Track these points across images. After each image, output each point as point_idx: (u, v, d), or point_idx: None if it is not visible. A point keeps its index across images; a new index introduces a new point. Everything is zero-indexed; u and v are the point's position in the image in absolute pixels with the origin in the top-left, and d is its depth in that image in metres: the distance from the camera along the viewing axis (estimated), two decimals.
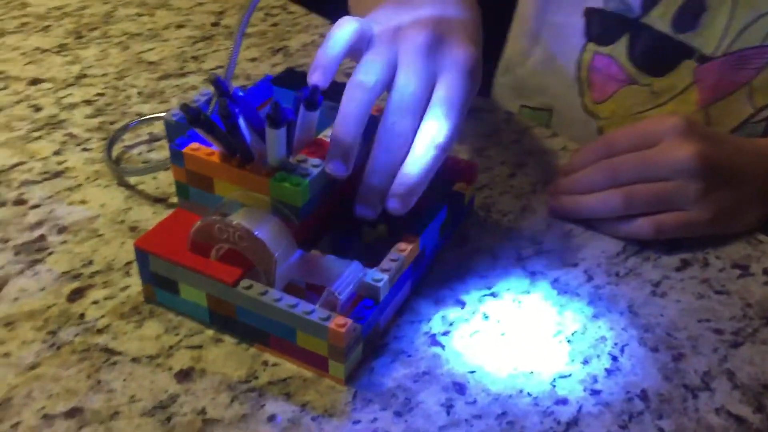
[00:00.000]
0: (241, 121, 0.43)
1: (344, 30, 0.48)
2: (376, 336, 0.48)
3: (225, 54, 0.78)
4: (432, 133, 0.47)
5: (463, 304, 0.51)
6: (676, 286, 0.52)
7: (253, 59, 0.78)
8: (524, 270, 0.53)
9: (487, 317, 0.50)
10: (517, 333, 0.49)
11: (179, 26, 0.83)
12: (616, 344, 0.48)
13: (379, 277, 0.46)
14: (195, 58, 0.78)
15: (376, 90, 0.46)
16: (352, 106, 0.46)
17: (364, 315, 0.45)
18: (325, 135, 0.49)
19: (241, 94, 0.44)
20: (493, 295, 0.51)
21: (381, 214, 0.49)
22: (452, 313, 0.50)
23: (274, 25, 0.84)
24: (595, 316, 0.50)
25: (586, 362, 0.47)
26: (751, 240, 0.56)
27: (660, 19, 0.63)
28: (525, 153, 0.65)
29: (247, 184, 0.46)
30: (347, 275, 0.45)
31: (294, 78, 0.55)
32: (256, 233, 0.44)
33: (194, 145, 0.48)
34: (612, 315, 0.50)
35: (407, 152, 0.47)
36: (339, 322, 0.43)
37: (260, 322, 0.46)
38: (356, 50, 0.49)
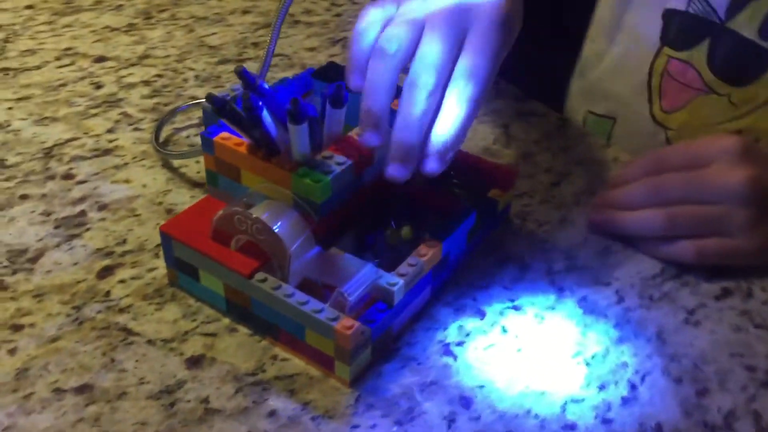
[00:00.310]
0: (266, 115, 0.43)
1: (370, 22, 0.47)
2: (389, 340, 0.47)
3: (285, 42, 0.79)
4: (462, 87, 0.45)
5: (483, 315, 0.49)
6: (712, 315, 0.50)
7: (312, 48, 0.78)
8: (552, 285, 0.52)
9: (505, 331, 0.48)
10: (534, 350, 0.47)
11: (245, 12, 0.84)
12: (637, 371, 0.46)
13: (395, 281, 0.45)
14: (255, 44, 0.78)
15: (398, 56, 0.44)
16: (376, 75, 0.44)
17: (375, 318, 0.45)
18: (356, 132, 0.48)
19: (267, 87, 0.44)
20: (515, 308, 0.50)
21: (408, 211, 0.48)
22: (470, 323, 0.49)
23: (338, 15, 0.84)
24: (620, 340, 0.48)
25: (602, 388, 0.45)
26: None
27: (747, 24, 0.59)
28: (573, 162, 0.62)
29: (271, 176, 0.46)
30: (359, 277, 0.44)
31: (335, 71, 0.55)
32: (273, 227, 0.44)
33: (225, 134, 0.49)
34: (638, 340, 0.48)
35: (435, 108, 0.45)
36: (346, 324, 0.43)
37: (272, 316, 0.46)
38: None
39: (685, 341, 0.48)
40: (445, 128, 0.44)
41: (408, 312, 0.48)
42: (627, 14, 0.66)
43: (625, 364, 0.46)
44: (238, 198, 0.48)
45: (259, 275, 0.46)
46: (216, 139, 0.48)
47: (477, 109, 0.45)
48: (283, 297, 0.44)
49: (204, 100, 0.67)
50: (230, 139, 0.48)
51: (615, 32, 0.67)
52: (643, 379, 0.45)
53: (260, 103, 0.42)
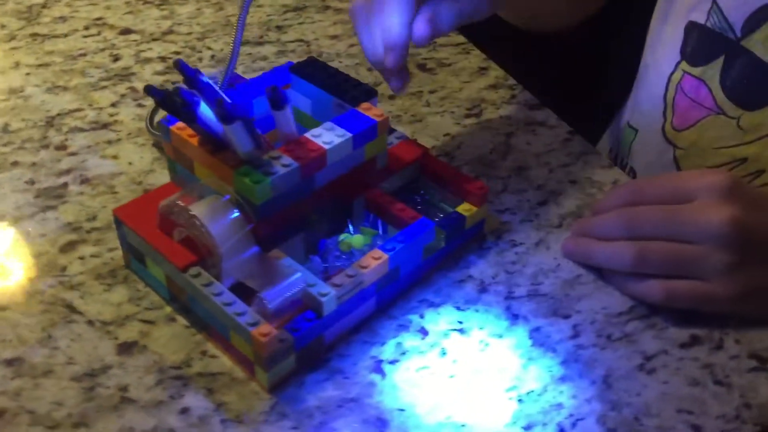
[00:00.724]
0: (203, 110, 0.42)
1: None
2: (320, 349, 0.46)
3: (309, 27, 0.78)
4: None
5: (426, 334, 0.47)
6: (671, 364, 0.46)
7: (334, 36, 0.76)
8: (508, 310, 0.49)
9: (444, 353, 0.46)
10: (468, 379, 0.45)
11: None
12: (571, 415, 0.43)
13: (326, 291, 0.44)
14: (279, 27, 0.77)
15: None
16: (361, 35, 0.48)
17: (300, 327, 0.44)
18: (313, 134, 0.47)
19: (206, 80, 0.43)
20: (461, 331, 0.48)
21: (367, 219, 0.49)
22: (410, 341, 0.47)
23: None
24: (562, 379, 0.45)
25: (528, 428, 0.42)
26: None
27: (762, 44, 0.55)
28: (568, 180, 0.59)
29: (217, 172, 0.46)
30: (285, 284, 0.43)
31: (314, 67, 0.53)
32: (205, 224, 0.44)
33: (182, 123, 0.48)
34: (581, 382, 0.45)
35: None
36: (263, 331, 0.42)
37: (204, 313, 0.46)
38: None
39: (632, 389, 0.44)
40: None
41: (344, 323, 0.47)
42: (656, 22, 0.63)
43: (560, 406, 0.44)
44: (190, 188, 0.48)
45: (194, 270, 0.45)
46: (172, 128, 0.48)
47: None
48: (210, 295, 0.44)
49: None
50: (185, 130, 0.48)
51: (652, 40, 0.64)
52: (574, 424, 0.43)
53: (195, 99, 0.41)
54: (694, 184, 0.48)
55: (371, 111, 0.49)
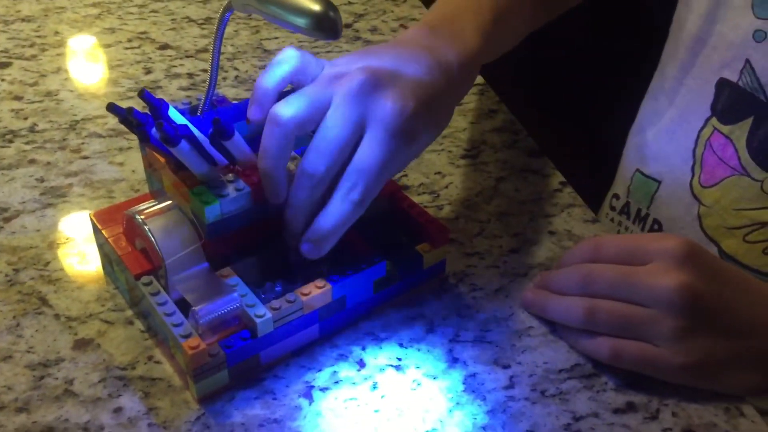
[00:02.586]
0: (155, 132, 0.45)
1: (283, 65, 0.47)
2: (255, 368, 0.48)
3: (336, 57, 0.80)
4: (348, 187, 0.45)
5: (362, 366, 0.49)
6: (599, 428, 0.45)
7: None
8: (449, 353, 0.49)
9: (375, 388, 0.47)
10: (391, 415, 0.46)
11: None
12: None
13: (262, 313, 0.46)
14: None
15: (291, 124, 0.45)
16: (268, 139, 0.46)
17: (233, 344, 0.46)
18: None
19: (170, 106, 0.46)
20: (398, 368, 0.49)
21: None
22: (346, 371, 0.48)
23: None
24: (484, 428, 0.45)
25: None
26: (731, 408, 0.46)
27: None
28: (548, 231, 0.59)
29: (178, 188, 0.49)
30: (219, 302, 0.45)
31: None
32: (156, 236, 0.47)
33: None
34: None
35: (325, 194, 0.46)
36: (191, 344, 0.44)
37: (151, 320, 0.48)
38: (297, 84, 0.48)
39: None
40: (324, 221, 0.46)
41: (283, 346, 0.48)
42: (687, 77, 0.62)
43: None
44: (160, 200, 0.51)
45: (146, 278, 0.48)
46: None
47: (360, 209, 0.46)
48: (155, 304, 0.46)
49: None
50: None
51: (675, 92, 0.63)
52: None
53: (148, 120, 0.44)
54: (652, 247, 0.47)
55: None
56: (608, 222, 0.71)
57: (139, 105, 0.71)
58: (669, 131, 0.65)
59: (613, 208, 0.71)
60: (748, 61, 0.57)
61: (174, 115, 0.46)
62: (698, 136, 0.61)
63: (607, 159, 0.74)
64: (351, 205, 0.46)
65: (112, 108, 0.45)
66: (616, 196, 0.71)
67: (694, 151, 0.62)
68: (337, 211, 0.46)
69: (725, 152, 0.59)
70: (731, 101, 0.58)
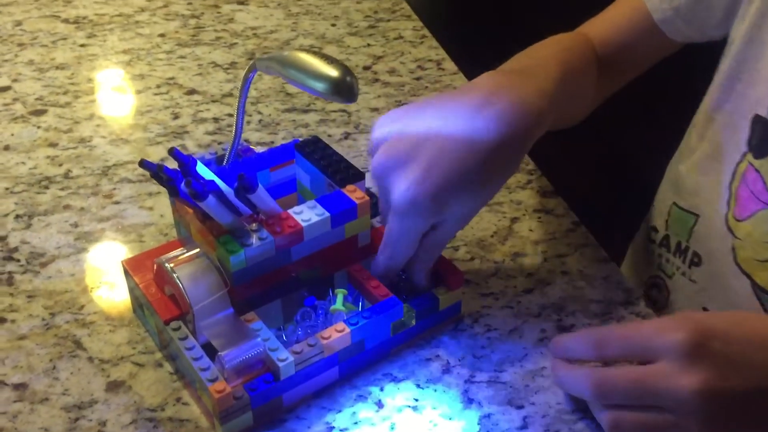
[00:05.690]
0: (184, 187, 0.48)
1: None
2: (278, 410, 0.50)
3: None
4: (381, 250, 0.54)
5: (381, 407, 0.51)
6: None
7: (375, 109, 0.81)
8: (465, 394, 0.51)
9: (393, 428, 0.49)
10: None
11: None
12: None
13: (285, 357, 0.48)
14: None
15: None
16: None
17: (257, 387, 0.48)
18: (294, 211, 0.52)
19: (198, 161, 0.49)
20: (415, 408, 0.50)
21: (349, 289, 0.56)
22: (365, 412, 0.50)
23: (418, 78, 0.87)
24: None
25: None
26: None
27: None
28: (561, 271, 0.61)
29: (205, 237, 0.51)
30: (244, 347, 0.48)
31: (315, 147, 0.58)
32: (184, 284, 0.49)
33: None
34: None
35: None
36: (218, 388, 0.46)
37: (180, 363, 0.51)
38: None
39: None
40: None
41: (304, 388, 0.50)
42: (719, 113, 0.64)
43: None
44: (188, 248, 0.53)
45: (175, 324, 0.50)
46: None
47: (388, 267, 0.54)
48: (183, 348, 0.49)
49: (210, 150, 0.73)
50: None
51: (708, 127, 0.65)
52: None
53: (178, 176, 0.47)
54: (658, 342, 0.46)
55: (355, 193, 0.53)
56: (647, 254, 0.72)
57: (165, 150, 0.74)
58: (703, 166, 0.66)
59: (652, 241, 0.72)
60: None
61: (202, 170, 0.49)
62: (735, 171, 0.62)
63: (637, 190, 0.74)
64: (383, 264, 0.54)
65: (143, 164, 0.48)
66: (654, 229, 0.71)
67: (730, 185, 0.62)
68: (377, 266, 0.55)
69: (756, 186, 0.60)
70: (763, 136, 0.60)
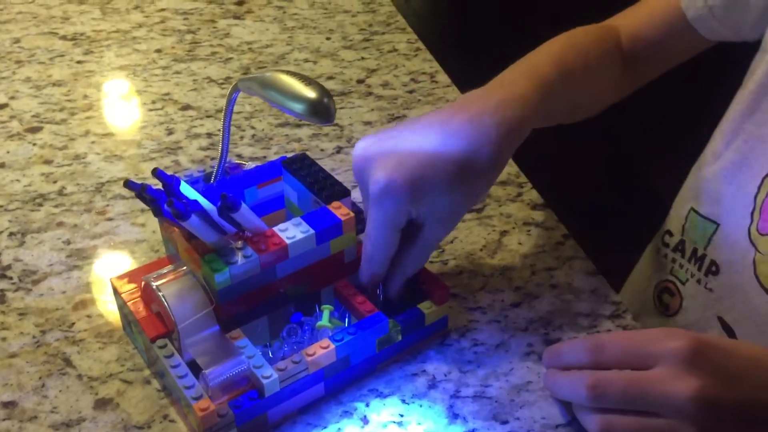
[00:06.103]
0: (167, 207, 0.48)
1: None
2: (263, 426, 0.50)
3: (345, 113, 0.83)
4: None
5: (366, 423, 0.51)
6: None
7: (368, 122, 0.82)
8: (450, 409, 0.51)
9: None
10: None
11: (329, 77, 0.90)
12: None
13: (269, 374, 0.49)
14: None
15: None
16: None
17: (242, 404, 0.48)
18: (279, 228, 0.52)
19: (180, 181, 0.49)
20: (400, 423, 0.51)
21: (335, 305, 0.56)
22: (350, 428, 0.50)
23: (411, 92, 0.87)
24: None
25: None
26: None
27: None
28: (549, 285, 0.61)
29: (191, 256, 0.52)
30: (228, 364, 0.48)
31: (302, 164, 0.58)
32: (169, 302, 0.50)
33: None
34: None
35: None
36: (202, 406, 0.47)
37: (166, 380, 0.51)
38: None
39: None
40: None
41: (290, 405, 0.51)
42: (749, 121, 0.63)
43: None
44: (176, 266, 0.54)
45: (161, 341, 0.51)
46: None
47: (369, 263, 0.54)
48: (168, 366, 0.49)
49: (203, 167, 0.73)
50: None
51: (736, 134, 0.63)
52: None
53: (161, 195, 0.47)
54: (655, 349, 0.47)
55: (340, 210, 0.53)
56: (660, 258, 0.71)
57: (160, 165, 0.74)
58: (729, 174, 0.64)
59: (666, 245, 0.70)
60: None
61: (185, 189, 0.50)
62: (762, 183, 0.61)
63: (653, 194, 0.73)
64: (364, 265, 0.54)
65: (128, 184, 0.49)
66: (669, 233, 0.70)
67: (755, 196, 0.61)
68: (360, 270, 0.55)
69: None
70: None
